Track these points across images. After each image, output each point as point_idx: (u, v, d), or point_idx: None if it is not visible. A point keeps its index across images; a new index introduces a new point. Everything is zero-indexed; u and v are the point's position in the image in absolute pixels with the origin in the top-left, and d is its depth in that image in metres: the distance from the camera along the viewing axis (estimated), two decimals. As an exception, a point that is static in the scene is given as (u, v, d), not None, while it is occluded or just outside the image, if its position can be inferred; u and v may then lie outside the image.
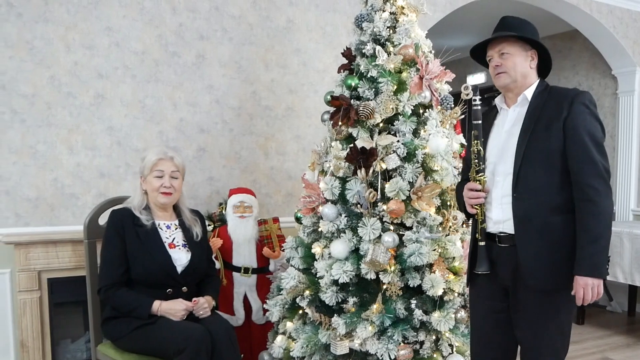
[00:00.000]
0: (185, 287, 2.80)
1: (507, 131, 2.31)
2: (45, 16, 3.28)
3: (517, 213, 2.22)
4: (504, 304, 2.34)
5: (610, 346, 4.57)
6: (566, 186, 2.17)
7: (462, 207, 2.47)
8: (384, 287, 2.77)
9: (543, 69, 2.36)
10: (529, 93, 2.28)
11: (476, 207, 2.31)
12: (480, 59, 2.46)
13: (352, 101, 2.95)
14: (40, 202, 3.32)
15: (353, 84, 3.00)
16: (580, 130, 2.13)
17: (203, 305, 2.76)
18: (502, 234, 2.27)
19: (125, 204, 2.87)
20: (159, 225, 2.83)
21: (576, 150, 2.14)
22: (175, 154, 2.93)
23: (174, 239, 2.85)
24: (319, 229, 2.98)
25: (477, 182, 2.30)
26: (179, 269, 2.77)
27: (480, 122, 2.32)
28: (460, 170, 2.94)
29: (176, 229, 2.89)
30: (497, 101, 2.41)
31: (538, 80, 2.31)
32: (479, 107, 2.32)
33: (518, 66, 2.26)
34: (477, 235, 2.33)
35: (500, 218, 2.27)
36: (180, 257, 2.80)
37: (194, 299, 2.75)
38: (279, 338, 3.12)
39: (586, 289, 2.11)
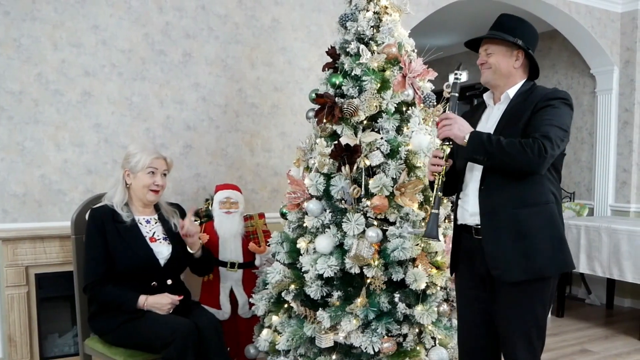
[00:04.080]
0: (169, 280, 2.83)
1: (490, 128, 2.35)
2: (32, 14, 3.30)
3: (483, 206, 2.27)
4: (485, 294, 2.37)
5: (589, 338, 4.65)
6: (534, 180, 2.21)
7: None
8: (368, 281, 2.80)
9: (534, 71, 2.41)
10: (512, 91, 2.34)
11: (435, 174, 2.33)
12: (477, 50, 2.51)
13: (336, 99, 2.99)
14: (27, 198, 3.34)
15: (337, 82, 3.03)
16: (551, 105, 2.19)
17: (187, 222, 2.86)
18: (478, 226, 2.31)
19: (105, 201, 2.86)
20: (138, 220, 2.85)
21: (544, 113, 2.18)
22: (167, 155, 2.99)
23: (154, 233, 2.87)
24: (304, 225, 3.01)
25: (442, 150, 2.32)
26: (162, 262, 2.80)
27: (456, 94, 2.36)
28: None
29: (156, 223, 2.92)
30: (485, 97, 2.46)
31: (524, 81, 2.36)
32: (458, 81, 2.37)
33: (500, 64, 2.32)
34: (432, 201, 2.36)
35: (476, 210, 2.30)
36: (162, 250, 2.83)
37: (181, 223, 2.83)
38: (265, 331, 3.15)
39: (455, 123, 2.21)
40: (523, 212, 2.22)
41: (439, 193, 2.33)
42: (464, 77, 2.42)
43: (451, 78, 2.41)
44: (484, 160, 2.18)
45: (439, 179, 2.32)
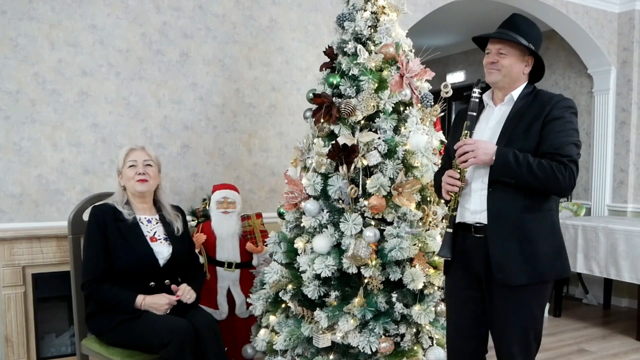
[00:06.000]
0: (167, 280, 2.83)
1: (491, 128, 2.35)
2: (29, 14, 3.29)
3: (491, 207, 2.25)
4: (479, 294, 2.37)
5: (586, 338, 4.66)
6: None
7: (439, 192, 2.49)
8: (366, 281, 2.81)
9: (535, 75, 2.41)
10: (516, 94, 2.33)
11: (451, 194, 2.33)
12: (481, 45, 2.49)
13: (334, 99, 2.99)
14: (24, 198, 3.34)
15: (335, 82, 3.03)
16: (564, 117, 2.21)
17: (186, 289, 2.80)
18: (477, 225, 2.30)
19: (107, 200, 2.89)
20: (140, 219, 2.86)
21: (559, 126, 2.20)
22: (146, 144, 2.98)
23: (155, 232, 2.87)
24: (302, 224, 3.01)
25: (458, 171, 2.31)
26: (161, 262, 2.80)
27: (474, 113, 2.34)
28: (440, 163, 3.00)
29: (157, 223, 2.92)
30: (485, 97, 2.44)
31: (526, 83, 2.36)
32: (477, 100, 2.35)
33: (512, 68, 2.31)
34: (447, 220, 2.36)
35: (478, 208, 2.30)
36: (162, 251, 2.82)
37: (172, 285, 2.78)
38: (262, 331, 3.15)
39: (477, 149, 2.19)
40: (530, 217, 2.23)
41: (454, 213, 2.33)
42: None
43: (445, 83, 2.40)
44: (511, 182, 2.19)
45: (455, 199, 2.32)
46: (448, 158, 2.47)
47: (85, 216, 2.95)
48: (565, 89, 6.13)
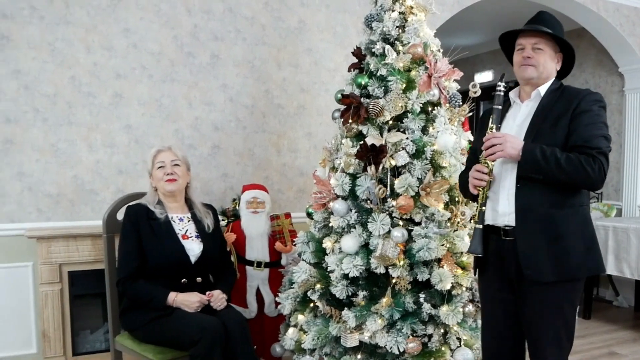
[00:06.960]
0: (199, 278, 2.88)
1: (519, 125, 2.33)
2: (66, 19, 3.38)
3: (519, 203, 2.23)
4: (512, 296, 2.35)
5: (617, 341, 4.59)
6: None
7: (464, 191, 2.49)
8: (393, 281, 2.81)
9: (562, 72, 2.40)
10: (543, 89, 2.31)
11: (479, 189, 2.30)
12: (504, 46, 2.48)
13: (362, 99, 3.00)
14: (61, 198, 3.43)
15: (363, 83, 3.04)
16: (592, 110, 2.19)
17: (219, 296, 2.84)
18: (507, 227, 2.28)
19: (140, 201, 2.97)
20: (172, 218, 2.92)
21: (587, 119, 2.16)
22: (172, 145, 3.05)
23: (186, 230, 2.93)
24: (330, 224, 3.03)
25: (486, 165, 2.28)
26: (192, 259, 2.86)
27: (500, 107, 2.32)
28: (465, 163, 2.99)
29: (189, 221, 2.98)
30: (512, 95, 2.43)
31: (553, 79, 2.35)
32: (502, 94, 2.32)
33: (547, 64, 2.29)
34: (475, 217, 2.34)
35: (507, 210, 2.27)
36: (193, 248, 2.88)
37: (207, 292, 2.84)
38: (291, 330, 3.18)
39: (506, 142, 2.17)
40: (559, 213, 2.20)
41: (483, 208, 2.30)
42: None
43: (473, 82, 2.39)
44: (539, 178, 2.16)
45: (483, 193, 2.30)
46: (474, 157, 2.45)
47: (119, 216, 3.02)
48: (596, 87, 6.03)
